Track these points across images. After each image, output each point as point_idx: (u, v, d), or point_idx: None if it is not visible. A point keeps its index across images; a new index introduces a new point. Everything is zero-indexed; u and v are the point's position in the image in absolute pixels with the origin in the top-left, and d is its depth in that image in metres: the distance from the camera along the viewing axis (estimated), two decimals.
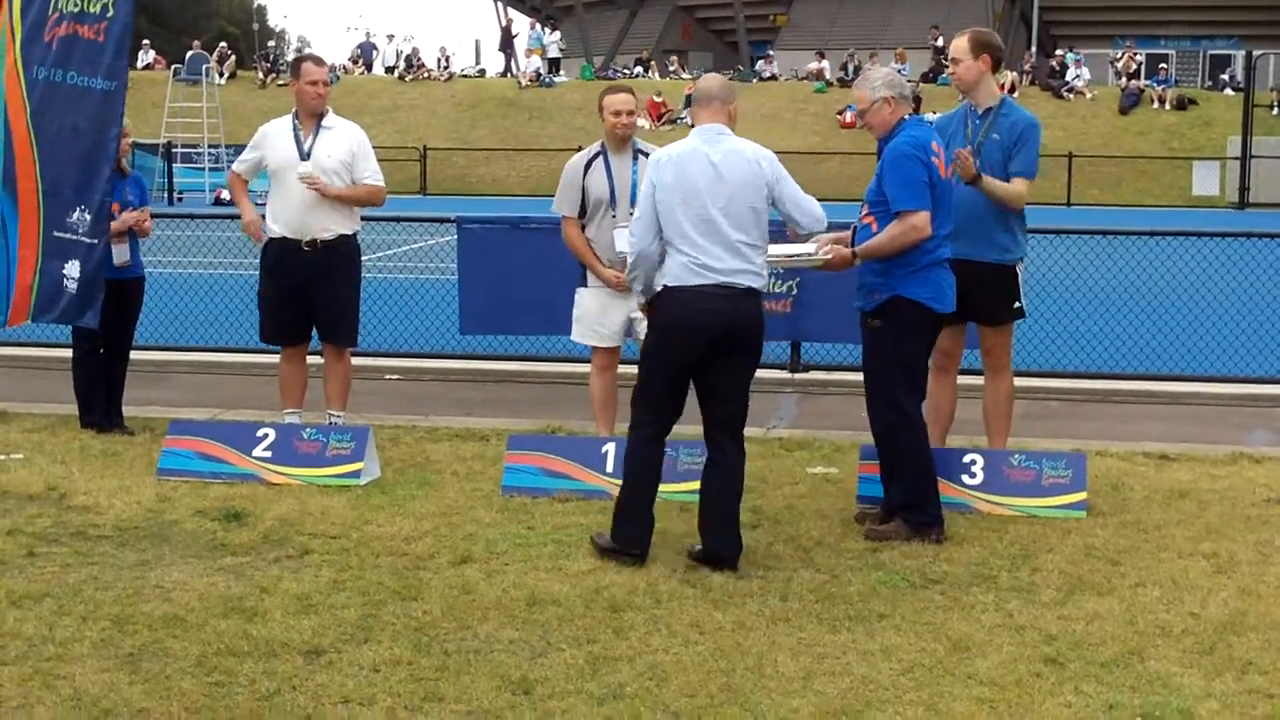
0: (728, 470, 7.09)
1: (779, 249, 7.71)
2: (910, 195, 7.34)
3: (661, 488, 7.86)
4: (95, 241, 9.34)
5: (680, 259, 6.93)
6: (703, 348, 6.94)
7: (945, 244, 7.52)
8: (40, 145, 9.23)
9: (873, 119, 7.60)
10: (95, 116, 9.33)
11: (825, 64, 50.24)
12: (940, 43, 52.59)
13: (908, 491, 7.47)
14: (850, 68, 48.31)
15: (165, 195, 36.43)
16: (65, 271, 9.29)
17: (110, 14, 9.33)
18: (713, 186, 6.95)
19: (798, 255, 7.84)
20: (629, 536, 7.01)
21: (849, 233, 7.73)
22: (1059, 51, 50.77)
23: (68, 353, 10.21)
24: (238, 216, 9.63)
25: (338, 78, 48.42)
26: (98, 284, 9.35)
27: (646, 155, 8.59)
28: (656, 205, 6.97)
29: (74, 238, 9.31)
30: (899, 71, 44.35)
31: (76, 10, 9.28)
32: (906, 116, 7.57)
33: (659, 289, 7.04)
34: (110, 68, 9.36)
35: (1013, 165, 8.27)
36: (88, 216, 9.29)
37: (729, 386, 7.06)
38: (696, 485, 8.02)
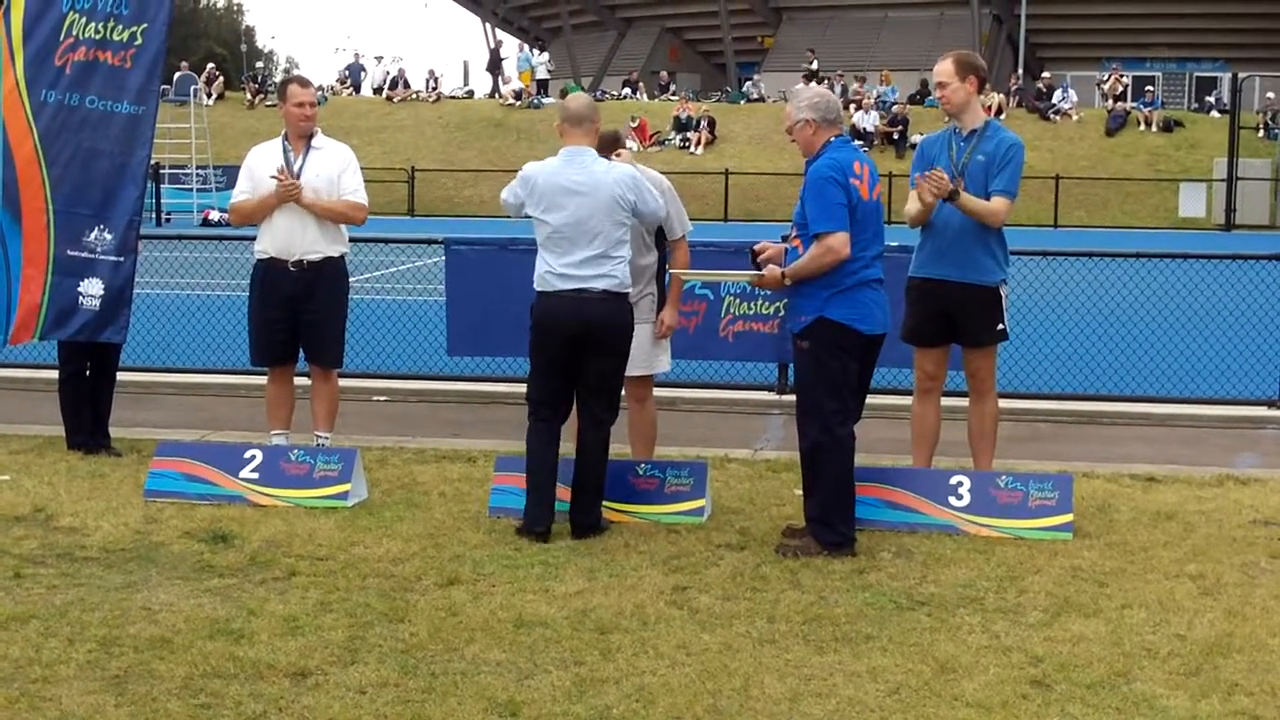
0: (586, 444, 7.86)
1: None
2: (826, 217, 7.43)
3: (648, 509, 8.05)
4: (121, 259, 9.68)
5: (543, 266, 7.81)
6: (563, 344, 7.74)
7: (874, 265, 7.60)
8: (50, 166, 9.50)
9: (797, 137, 7.73)
10: (120, 139, 9.67)
11: (814, 85, 50.31)
12: (815, 65, 52.75)
13: (822, 508, 7.54)
14: (838, 89, 48.41)
15: (153, 216, 36.41)
16: (82, 289, 9.58)
17: (139, 42, 9.66)
18: (573, 210, 7.69)
19: (734, 272, 8.43)
20: (529, 516, 7.75)
21: (781, 249, 7.83)
22: (1045, 74, 50.93)
23: (54, 374, 10.22)
24: (226, 238, 9.65)
25: (325, 98, 48.48)
26: (125, 300, 9.69)
27: None
28: (523, 200, 7.89)
29: (92, 256, 9.61)
30: (888, 92, 43.93)
31: (98, 37, 9.55)
32: (832, 139, 7.62)
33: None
34: (139, 93, 9.71)
35: (994, 184, 8.30)
36: (108, 235, 9.60)
37: (589, 374, 7.82)
38: (683, 506, 8.13)
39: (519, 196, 7.93)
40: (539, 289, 7.84)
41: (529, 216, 7.91)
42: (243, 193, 9.36)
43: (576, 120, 7.86)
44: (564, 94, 38.52)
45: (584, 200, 7.70)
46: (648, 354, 8.61)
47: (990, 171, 8.30)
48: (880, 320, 7.65)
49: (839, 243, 7.41)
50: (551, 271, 7.77)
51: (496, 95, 54.15)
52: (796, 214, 7.64)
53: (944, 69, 8.43)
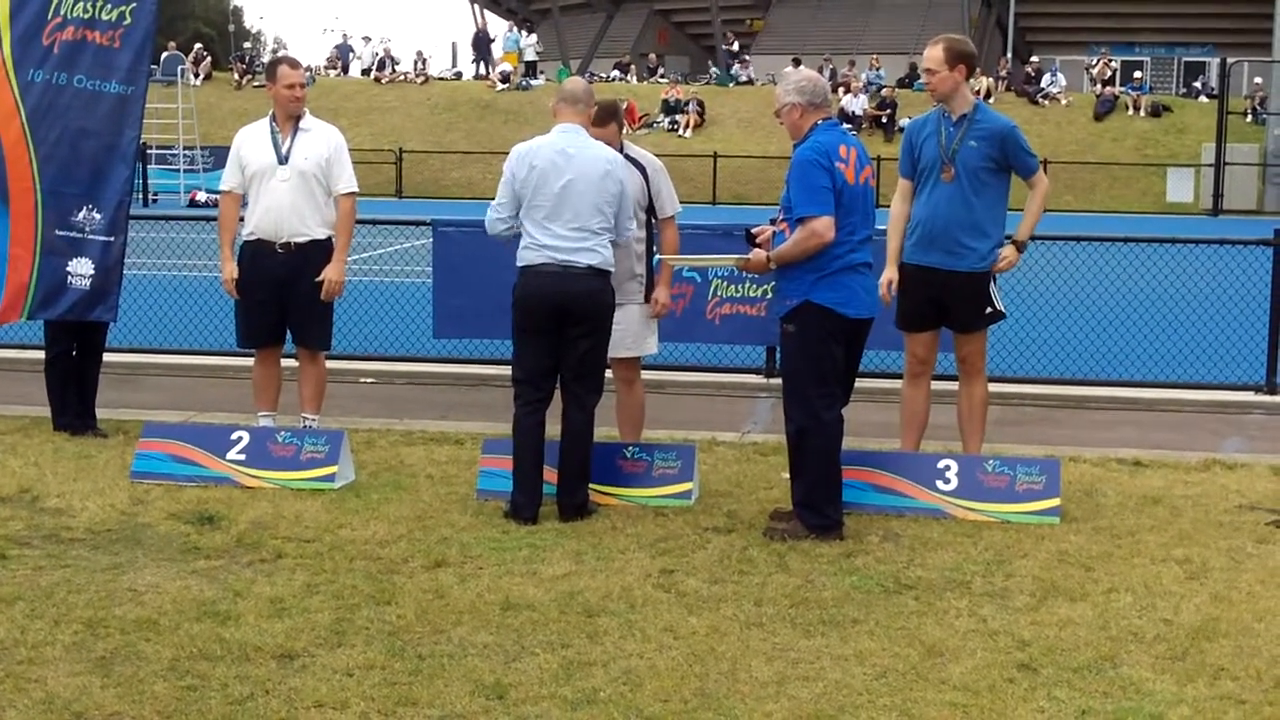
0: (571, 426, 7.86)
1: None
2: (810, 201, 7.42)
3: (636, 491, 8.06)
4: (111, 239, 9.68)
5: (527, 240, 7.81)
6: (546, 319, 7.74)
7: (861, 249, 7.59)
8: (38, 146, 9.48)
9: (784, 120, 7.77)
10: (109, 119, 9.66)
11: (802, 69, 50.21)
12: (735, 46, 52.75)
13: (807, 492, 7.54)
14: (827, 72, 48.37)
15: (140, 197, 36.26)
16: (71, 269, 9.60)
17: (128, 21, 9.67)
18: (564, 179, 7.72)
19: (720, 255, 8.47)
20: (517, 504, 7.75)
21: (769, 233, 7.82)
22: (1034, 58, 50.93)
23: (40, 354, 10.19)
24: (212, 219, 9.63)
25: (314, 79, 48.33)
26: (115, 280, 9.69)
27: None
28: (516, 193, 7.83)
29: (82, 236, 9.62)
30: (876, 76, 43.82)
31: (86, 17, 9.53)
32: (819, 122, 7.61)
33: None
34: (129, 72, 9.70)
35: (1021, 171, 8.45)
36: (97, 215, 9.60)
37: (571, 352, 7.80)
38: (671, 489, 8.13)
39: (506, 197, 7.88)
40: (521, 264, 7.82)
41: (515, 218, 7.89)
42: (229, 178, 9.33)
43: (572, 100, 7.96)
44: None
45: (572, 172, 7.72)
46: (636, 336, 8.61)
47: (986, 156, 8.28)
48: (867, 304, 7.63)
49: (822, 226, 7.39)
50: (534, 245, 7.77)
51: (485, 77, 53.98)
52: (783, 198, 7.64)
53: (933, 56, 8.40)
